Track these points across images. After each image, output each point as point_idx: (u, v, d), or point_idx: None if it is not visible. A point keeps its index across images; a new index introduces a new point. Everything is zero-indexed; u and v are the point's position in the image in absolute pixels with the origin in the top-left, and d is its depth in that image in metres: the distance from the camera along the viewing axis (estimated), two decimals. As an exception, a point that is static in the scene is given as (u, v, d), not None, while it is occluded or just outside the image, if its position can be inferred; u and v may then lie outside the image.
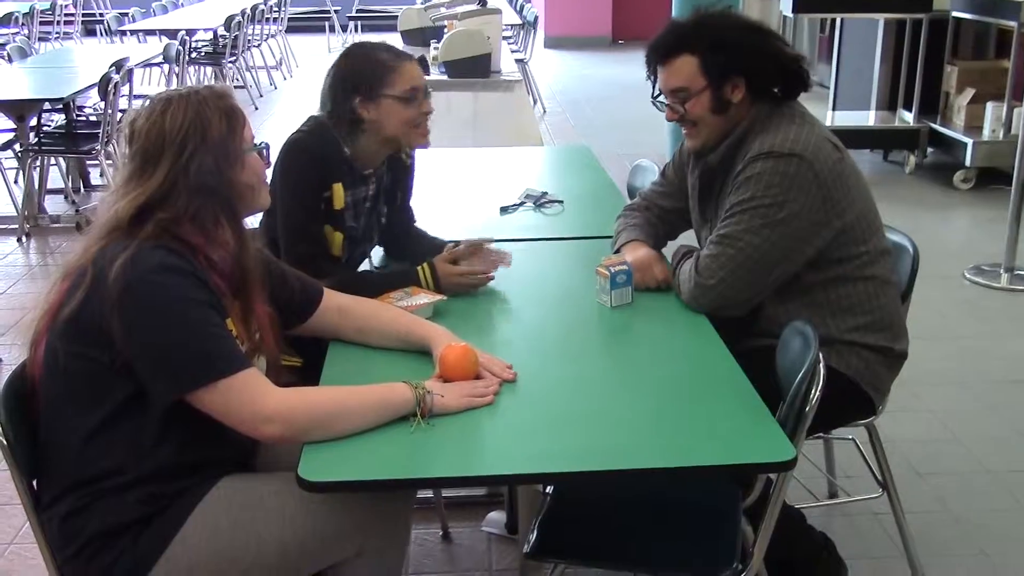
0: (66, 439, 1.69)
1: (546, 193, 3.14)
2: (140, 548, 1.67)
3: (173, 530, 1.68)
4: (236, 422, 1.66)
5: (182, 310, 1.65)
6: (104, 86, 5.33)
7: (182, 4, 11.01)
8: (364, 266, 2.58)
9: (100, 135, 5.43)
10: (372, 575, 1.80)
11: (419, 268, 2.31)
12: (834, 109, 7.26)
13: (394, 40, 6.93)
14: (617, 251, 2.45)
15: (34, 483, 1.75)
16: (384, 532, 1.79)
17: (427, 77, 2.56)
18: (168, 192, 1.69)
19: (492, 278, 2.36)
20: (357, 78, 2.31)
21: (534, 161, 3.86)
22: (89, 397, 1.67)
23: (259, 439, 1.72)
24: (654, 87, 2.28)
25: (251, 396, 1.65)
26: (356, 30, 12.64)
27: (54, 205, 5.97)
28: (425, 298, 2.22)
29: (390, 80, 2.30)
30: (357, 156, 2.37)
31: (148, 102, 1.76)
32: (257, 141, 1.83)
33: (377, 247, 2.66)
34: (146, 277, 1.62)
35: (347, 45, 2.50)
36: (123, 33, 8.88)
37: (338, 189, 2.33)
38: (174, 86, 6.73)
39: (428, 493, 2.77)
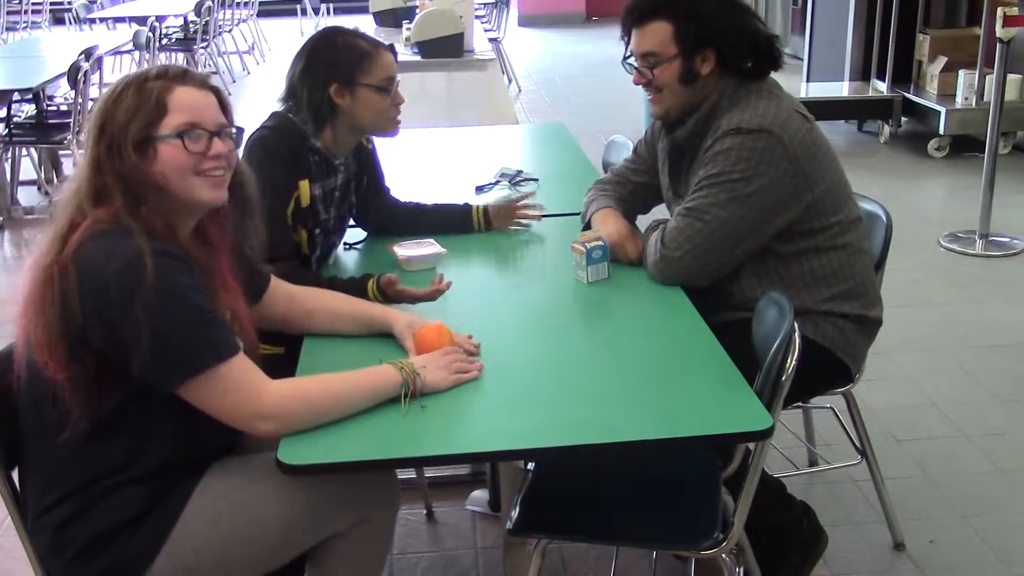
0: (60, 445, 1.64)
1: (521, 171, 3.14)
2: (139, 543, 1.65)
3: (172, 521, 1.66)
4: (232, 418, 1.63)
5: (182, 296, 1.59)
6: (74, 75, 5.27)
7: (151, -10, 10.90)
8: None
9: (71, 125, 5.37)
10: (366, 543, 1.80)
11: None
12: (808, 80, 7.28)
13: (367, 22, 6.95)
14: (588, 221, 2.45)
15: (18, 487, 1.73)
16: (375, 499, 1.79)
17: (399, 60, 2.53)
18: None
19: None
20: (334, 64, 2.26)
21: (509, 139, 3.86)
22: (87, 400, 1.61)
23: (253, 435, 1.69)
24: (627, 48, 2.28)
25: (248, 392, 1.62)
26: (328, 13, 12.55)
27: (27, 196, 5.92)
28: (432, 249, 2.34)
29: (368, 68, 2.25)
30: (327, 145, 2.31)
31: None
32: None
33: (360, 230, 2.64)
34: (133, 264, 1.55)
35: (319, 29, 2.45)
36: (92, 21, 8.80)
37: (304, 186, 2.27)
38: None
39: (411, 473, 2.77)
